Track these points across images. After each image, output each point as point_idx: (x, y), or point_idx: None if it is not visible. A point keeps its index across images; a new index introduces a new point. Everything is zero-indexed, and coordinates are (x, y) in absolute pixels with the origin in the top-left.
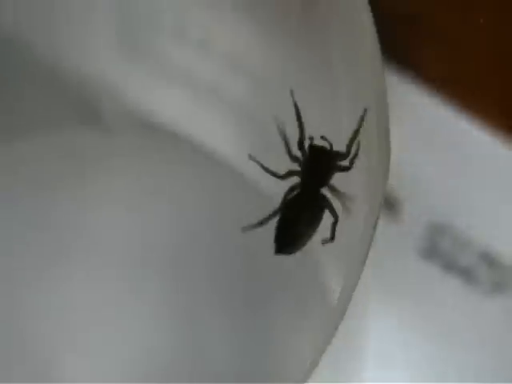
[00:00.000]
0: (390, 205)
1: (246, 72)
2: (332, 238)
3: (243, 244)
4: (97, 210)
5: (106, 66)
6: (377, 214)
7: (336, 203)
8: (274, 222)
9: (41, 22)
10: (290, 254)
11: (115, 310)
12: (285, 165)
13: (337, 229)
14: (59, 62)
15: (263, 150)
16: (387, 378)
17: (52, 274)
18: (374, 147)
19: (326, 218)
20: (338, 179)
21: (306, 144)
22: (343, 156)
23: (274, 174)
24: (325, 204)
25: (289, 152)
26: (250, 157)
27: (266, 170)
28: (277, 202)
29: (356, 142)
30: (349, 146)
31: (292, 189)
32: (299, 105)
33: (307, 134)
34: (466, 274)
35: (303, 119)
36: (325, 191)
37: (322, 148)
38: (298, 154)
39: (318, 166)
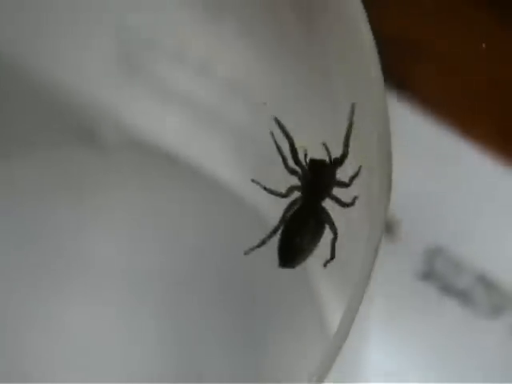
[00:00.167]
0: (388, 227)
1: (246, 95)
2: (332, 257)
3: (241, 267)
4: (94, 228)
5: (105, 87)
6: (378, 244)
7: (336, 216)
8: (273, 241)
9: (41, 45)
10: (294, 267)
11: (112, 325)
12: (284, 184)
13: (336, 247)
14: (59, 83)
15: (262, 172)
16: None
17: (49, 290)
18: (375, 170)
19: (326, 235)
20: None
21: (301, 155)
22: (342, 159)
23: (276, 194)
24: (324, 217)
25: (286, 165)
26: (253, 180)
27: (269, 191)
28: (273, 222)
29: (357, 167)
30: (345, 145)
31: (293, 203)
32: (300, 124)
33: (300, 145)
34: (464, 296)
35: (293, 133)
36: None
37: (321, 161)
38: (296, 167)
39: (318, 180)
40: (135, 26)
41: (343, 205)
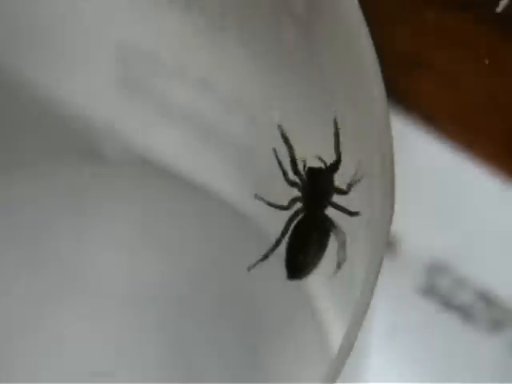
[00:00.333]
0: (388, 243)
1: (247, 110)
2: (345, 259)
3: (242, 281)
4: (94, 243)
5: (105, 103)
6: (380, 265)
7: (341, 222)
8: (274, 255)
9: (44, 61)
10: (302, 278)
11: (111, 338)
12: (286, 197)
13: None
14: (59, 99)
15: (263, 186)
16: None
17: (48, 303)
18: (377, 189)
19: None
20: (342, 219)
21: (300, 166)
22: (337, 164)
23: (278, 207)
24: (328, 225)
25: (286, 178)
26: (256, 196)
27: (271, 205)
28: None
29: (355, 176)
30: (337, 152)
31: (295, 214)
32: (301, 136)
33: (301, 157)
34: (464, 312)
35: (293, 145)
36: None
37: (319, 169)
38: (296, 179)
39: (318, 188)
40: (135, 40)
41: (348, 213)
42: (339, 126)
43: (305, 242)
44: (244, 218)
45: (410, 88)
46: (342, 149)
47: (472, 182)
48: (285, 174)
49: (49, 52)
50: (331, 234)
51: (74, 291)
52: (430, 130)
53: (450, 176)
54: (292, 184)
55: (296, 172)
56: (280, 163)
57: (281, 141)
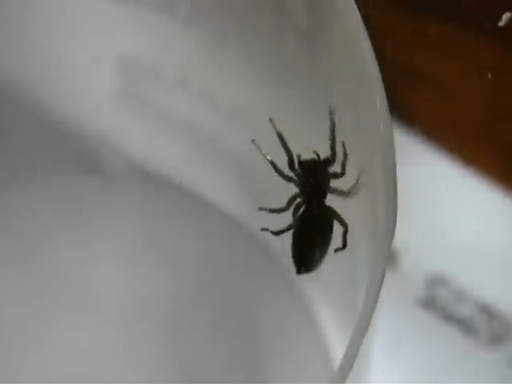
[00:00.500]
0: (389, 256)
1: (248, 123)
2: (344, 245)
3: (242, 294)
4: (96, 260)
5: (106, 116)
6: (382, 280)
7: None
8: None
9: (44, 74)
10: (311, 271)
11: (112, 353)
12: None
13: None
14: (60, 112)
15: (264, 198)
16: None
17: (48, 316)
18: (380, 203)
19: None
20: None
21: (296, 162)
22: (332, 159)
23: (278, 211)
24: (331, 214)
25: (281, 173)
26: (260, 208)
27: (273, 210)
28: (275, 252)
29: (339, 145)
30: (332, 149)
31: (297, 208)
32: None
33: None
34: (465, 325)
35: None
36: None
37: (311, 160)
38: (291, 174)
39: (313, 178)
40: (136, 53)
41: (346, 195)
42: (339, 129)
43: (309, 234)
44: (244, 229)
45: (410, 101)
46: (347, 162)
47: (472, 195)
48: (278, 168)
49: (49, 65)
50: (334, 222)
51: (73, 304)
52: (430, 143)
53: (450, 189)
54: (288, 179)
55: (291, 167)
56: (276, 168)
57: (281, 150)
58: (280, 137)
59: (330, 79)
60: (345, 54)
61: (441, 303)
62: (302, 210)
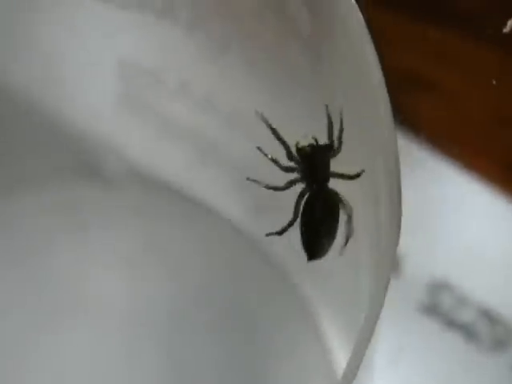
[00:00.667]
0: None
1: (249, 128)
2: (350, 235)
3: (243, 301)
4: (97, 264)
5: (107, 122)
6: (386, 289)
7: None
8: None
9: (45, 78)
10: (322, 257)
11: (112, 363)
12: (288, 212)
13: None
14: (60, 118)
15: (265, 205)
16: None
17: (50, 328)
18: (384, 210)
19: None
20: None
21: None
22: (330, 146)
23: (274, 188)
24: (336, 198)
25: (280, 166)
26: (248, 179)
27: (268, 187)
28: (275, 256)
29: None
30: (330, 138)
31: (301, 195)
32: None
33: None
34: (467, 331)
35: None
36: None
37: (308, 145)
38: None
39: (313, 162)
40: (137, 58)
41: (349, 178)
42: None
43: (317, 219)
44: (245, 234)
45: (411, 106)
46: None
47: (474, 201)
48: (281, 166)
49: (50, 69)
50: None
51: (73, 307)
52: (432, 148)
53: (452, 194)
54: (287, 169)
55: (290, 157)
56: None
57: (281, 150)
58: (272, 129)
59: (332, 84)
60: (348, 57)
61: (443, 309)
62: (306, 197)
